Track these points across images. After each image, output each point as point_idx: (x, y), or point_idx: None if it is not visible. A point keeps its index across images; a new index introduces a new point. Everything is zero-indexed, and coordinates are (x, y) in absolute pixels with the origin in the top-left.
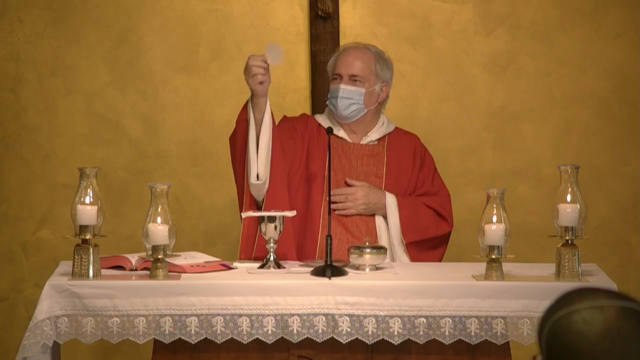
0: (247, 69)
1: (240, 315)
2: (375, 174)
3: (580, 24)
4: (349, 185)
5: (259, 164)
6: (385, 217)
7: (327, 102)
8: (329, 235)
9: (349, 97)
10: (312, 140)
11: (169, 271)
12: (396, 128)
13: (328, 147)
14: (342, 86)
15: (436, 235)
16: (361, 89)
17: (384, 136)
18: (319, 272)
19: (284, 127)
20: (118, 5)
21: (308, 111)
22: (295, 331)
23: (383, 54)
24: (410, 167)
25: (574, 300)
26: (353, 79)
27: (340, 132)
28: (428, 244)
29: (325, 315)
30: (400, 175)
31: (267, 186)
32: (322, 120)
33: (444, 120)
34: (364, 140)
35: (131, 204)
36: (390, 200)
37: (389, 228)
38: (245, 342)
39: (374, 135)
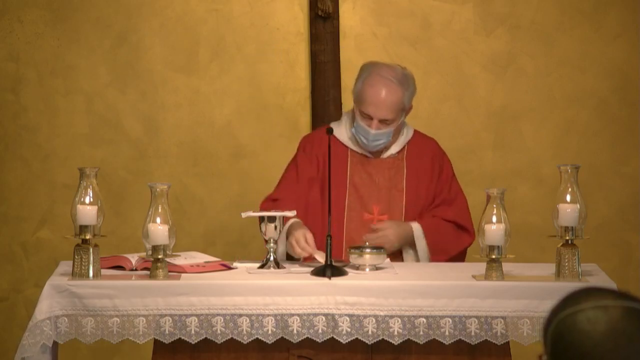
0: (293, 246)
1: (240, 315)
2: (396, 187)
3: (580, 24)
4: (374, 230)
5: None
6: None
7: (354, 133)
8: (329, 235)
9: (379, 138)
10: (332, 164)
11: (169, 271)
12: (414, 133)
13: (328, 148)
14: (374, 131)
15: (459, 251)
16: (391, 128)
17: (403, 146)
18: (319, 272)
19: (304, 171)
20: (118, 5)
21: (308, 111)
22: (295, 331)
23: (407, 78)
24: (429, 175)
25: (579, 299)
26: (384, 122)
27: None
28: (452, 259)
29: (325, 315)
30: (419, 184)
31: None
32: (341, 133)
33: (444, 120)
34: (385, 155)
35: (131, 204)
36: (416, 228)
37: (418, 252)
38: (245, 342)
39: (394, 148)
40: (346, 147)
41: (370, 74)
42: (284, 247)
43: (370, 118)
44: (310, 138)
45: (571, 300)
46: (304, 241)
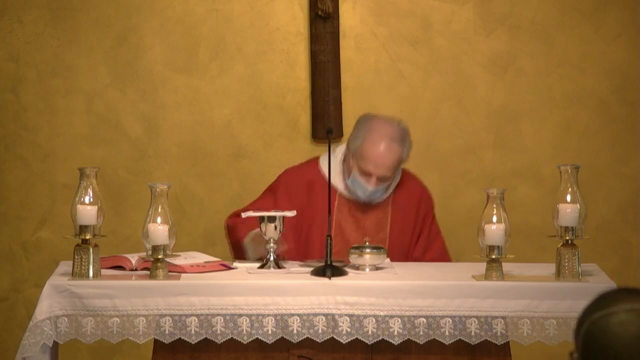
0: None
1: (240, 315)
2: (382, 231)
3: (580, 24)
4: None
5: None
6: None
7: (350, 185)
8: (329, 235)
9: (376, 193)
10: (319, 205)
11: (169, 271)
12: (402, 173)
13: (328, 148)
14: (372, 188)
15: None
16: (388, 182)
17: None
18: (319, 272)
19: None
20: (118, 5)
21: (308, 111)
22: (295, 331)
23: (405, 133)
24: (413, 219)
25: (612, 302)
26: (382, 178)
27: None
28: None
29: (325, 315)
30: (403, 229)
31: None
32: (332, 172)
33: (444, 120)
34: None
35: (131, 204)
36: None
37: None
38: (245, 342)
39: (383, 196)
40: (335, 189)
41: (371, 131)
42: (252, 250)
43: (370, 174)
44: (293, 178)
45: (603, 301)
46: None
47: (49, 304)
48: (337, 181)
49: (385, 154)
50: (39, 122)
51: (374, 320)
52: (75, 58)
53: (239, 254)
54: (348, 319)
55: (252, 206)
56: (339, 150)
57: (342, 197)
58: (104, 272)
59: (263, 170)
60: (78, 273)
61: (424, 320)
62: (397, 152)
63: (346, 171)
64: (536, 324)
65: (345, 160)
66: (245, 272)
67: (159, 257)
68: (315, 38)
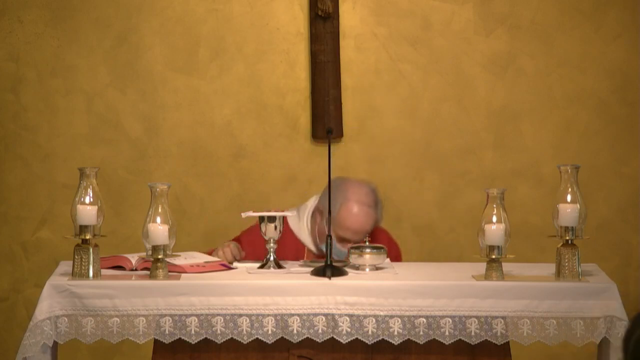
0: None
1: (240, 315)
2: None
3: (580, 24)
4: None
5: None
6: None
7: (324, 250)
8: (329, 235)
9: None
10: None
11: (169, 271)
12: None
13: (328, 147)
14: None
15: None
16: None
17: None
18: (319, 272)
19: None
20: (118, 5)
21: (308, 111)
22: (295, 331)
23: (376, 195)
24: None
25: None
26: (358, 242)
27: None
28: None
29: (325, 315)
30: None
31: None
32: (301, 232)
33: (444, 120)
34: None
35: (131, 204)
36: None
37: None
38: (245, 342)
39: None
40: (303, 245)
41: (348, 200)
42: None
43: (348, 241)
44: (260, 234)
45: None
46: (228, 250)
47: (49, 304)
48: (305, 238)
49: (362, 221)
50: (39, 122)
51: (374, 320)
52: (75, 58)
53: None
54: (348, 319)
55: (216, 251)
56: (308, 207)
57: (310, 251)
58: (104, 272)
59: (263, 170)
60: (78, 273)
61: (424, 320)
62: (373, 217)
63: (315, 229)
64: (536, 324)
65: (313, 216)
66: (245, 272)
67: (159, 257)
68: (315, 38)
